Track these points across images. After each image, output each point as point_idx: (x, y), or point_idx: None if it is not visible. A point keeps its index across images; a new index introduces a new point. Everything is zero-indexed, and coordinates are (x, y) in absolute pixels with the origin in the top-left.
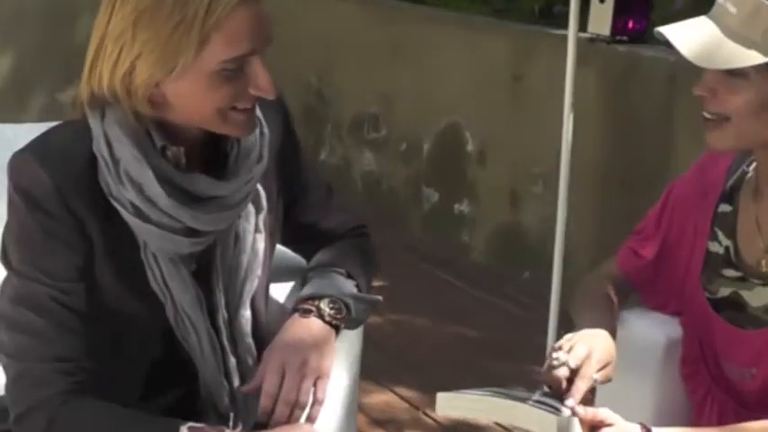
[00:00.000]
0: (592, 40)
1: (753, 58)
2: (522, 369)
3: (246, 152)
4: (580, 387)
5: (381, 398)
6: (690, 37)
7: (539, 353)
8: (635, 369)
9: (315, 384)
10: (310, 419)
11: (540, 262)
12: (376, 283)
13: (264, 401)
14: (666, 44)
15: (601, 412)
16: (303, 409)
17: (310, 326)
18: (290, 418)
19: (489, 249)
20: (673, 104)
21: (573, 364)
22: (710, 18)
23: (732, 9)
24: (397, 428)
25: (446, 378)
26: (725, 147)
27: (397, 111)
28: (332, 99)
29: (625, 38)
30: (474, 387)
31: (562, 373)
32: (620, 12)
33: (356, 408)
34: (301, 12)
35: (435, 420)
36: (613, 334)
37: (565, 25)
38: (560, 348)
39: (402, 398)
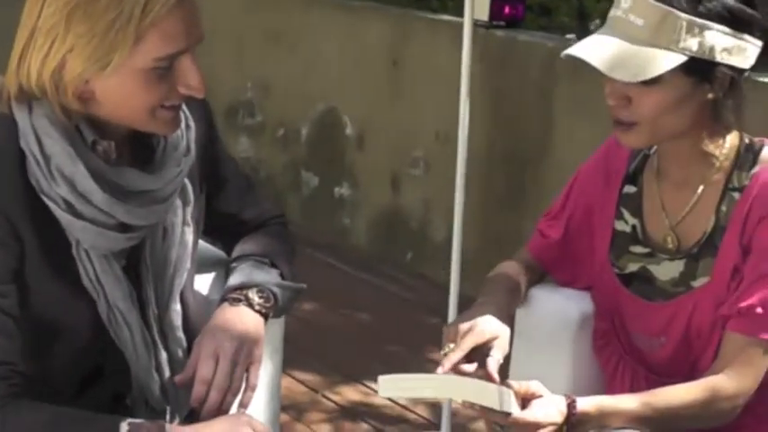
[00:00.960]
0: (475, 24)
1: (668, 62)
2: (411, 347)
3: (174, 145)
4: (452, 358)
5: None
6: (602, 53)
7: (429, 333)
8: (549, 343)
9: (247, 371)
10: (243, 405)
11: (421, 243)
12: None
13: (198, 388)
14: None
15: (532, 385)
16: (236, 395)
17: (241, 314)
18: (223, 405)
19: (371, 232)
20: (550, 86)
21: (454, 358)
22: (612, 33)
23: (638, 21)
24: (298, 411)
25: (341, 361)
26: (639, 145)
27: (274, 97)
28: (206, 86)
29: (502, 23)
30: (373, 368)
31: (455, 358)
32: None
33: (280, 395)
34: None
35: (335, 402)
36: (504, 312)
37: (441, 9)
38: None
39: (300, 381)
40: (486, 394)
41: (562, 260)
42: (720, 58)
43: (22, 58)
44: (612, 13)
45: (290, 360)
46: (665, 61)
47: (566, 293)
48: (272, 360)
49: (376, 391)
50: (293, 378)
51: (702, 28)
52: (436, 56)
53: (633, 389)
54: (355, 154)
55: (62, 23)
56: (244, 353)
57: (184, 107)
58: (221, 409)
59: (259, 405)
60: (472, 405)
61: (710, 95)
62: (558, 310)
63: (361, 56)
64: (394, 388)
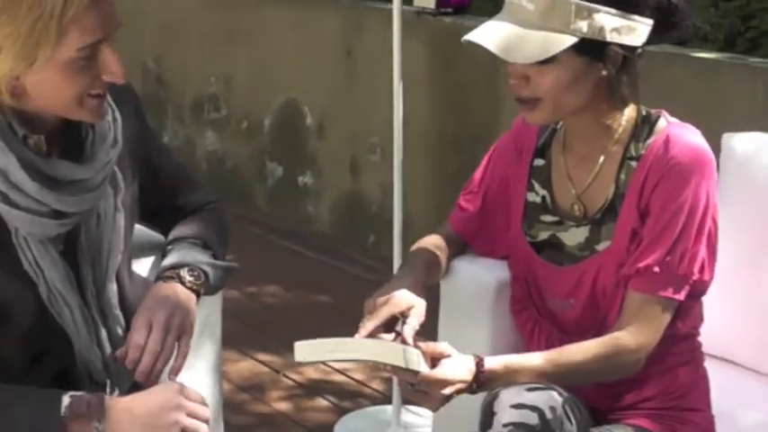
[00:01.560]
0: (418, 12)
1: (560, 43)
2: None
3: (102, 137)
4: (367, 326)
5: (244, 365)
6: (496, 37)
7: None
8: (471, 310)
9: (179, 340)
10: (174, 371)
11: (383, 226)
12: (227, 257)
13: (132, 353)
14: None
15: (440, 345)
16: (167, 361)
17: (174, 289)
18: (154, 369)
19: (334, 218)
20: (497, 71)
21: (370, 326)
22: (506, 18)
23: (530, 6)
24: (260, 391)
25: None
26: (543, 122)
27: (236, 90)
28: (171, 82)
29: (450, 10)
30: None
31: (370, 326)
32: None
33: (221, 372)
34: None
35: (295, 381)
36: (420, 284)
37: None
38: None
39: (263, 363)
40: (392, 354)
41: (480, 232)
42: (610, 37)
43: None
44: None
45: (254, 342)
46: (557, 43)
47: (484, 263)
48: (211, 339)
49: (336, 370)
50: (255, 360)
51: (591, 11)
52: (387, 45)
53: (549, 349)
54: (316, 143)
55: None
56: (175, 322)
57: (112, 102)
58: (153, 373)
59: (199, 377)
60: (385, 366)
61: (604, 73)
62: (477, 279)
63: (316, 47)
64: (309, 353)
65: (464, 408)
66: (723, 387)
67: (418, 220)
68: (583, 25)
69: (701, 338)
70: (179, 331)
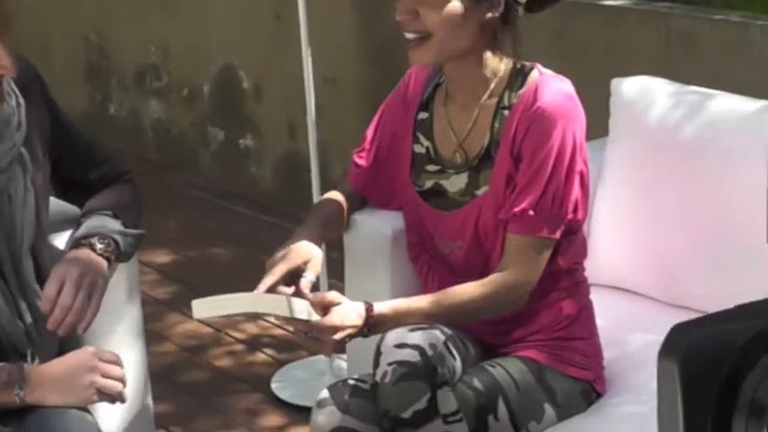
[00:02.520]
0: None
1: None
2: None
3: (6, 122)
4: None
5: (188, 327)
6: None
7: (332, 267)
8: (370, 259)
9: (90, 298)
10: (82, 327)
11: (324, 183)
12: (172, 223)
13: (44, 305)
14: None
15: (328, 295)
16: (77, 315)
17: (86, 253)
18: (65, 322)
19: (276, 178)
20: None
21: (267, 282)
22: None
23: None
24: (203, 350)
25: None
26: (428, 61)
27: (175, 58)
28: (112, 54)
29: None
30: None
31: (268, 281)
32: None
33: (142, 330)
34: None
35: (236, 338)
36: (317, 238)
37: None
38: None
39: (205, 324)
40: (281, 306)
41: (374, 186)
42: None
43: None
44: None
45: None
46: None
47: (380, 215)
48: (130, 301)
49: (276, 325)
50: (200, 322)
51: None
52: (315, 6)
53: (441, 289)
54: (254, 106)
55: None
56: (86, 280)
57: (16, 87)
58: (63, 326)
59: (119, 340)
60: (278, 317)
61: (489, 15)
62: (374, 230)
63: (247, 12)
64: (205, 309)
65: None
66: (615, 315)
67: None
68: None
69: (589, 271)
70: (90, 290)
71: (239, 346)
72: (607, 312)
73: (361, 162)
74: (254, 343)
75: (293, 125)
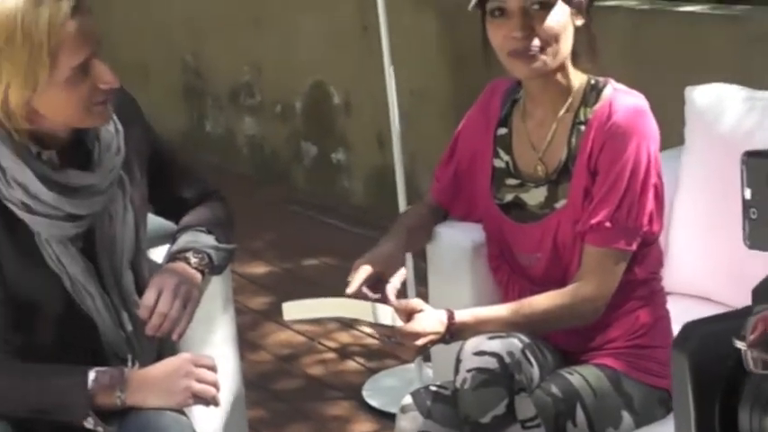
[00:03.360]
0: None
1: None
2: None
3: (107, 147)
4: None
5: (282, 336)
6: None
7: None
8: (453, 270)
9: (185, 307)
10: (178, 333)
11: (412, 194)
12: (268, 236)
13: (142, 313)
14: None
15: (412, 302)
16: (174, 323)
17: (182, 266)
18: (162, 328)
19: (367, 191)
20: None
21: (353, 286)
22: None
23: None
24: (296, 358)
25: None
26: (542, 71)
27: (267, 76)
28: (207, 73)
29: None
30: None
31: (354, 286)
32: None
33: (236, 339)
34: None
35: (329, 348)
36: (401, 248)
37: None
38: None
39: (299, 332)
40: (366, 311)
41: (456, 199)
42: None
43: None
44: None
45: None
46: None
47: (461, 227)
48: (224, 311)
49: (367, 335)
50: (292, 330)
51: None
52: (401, 18)
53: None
54: (345, 120)
55: None
56: (183, 290)
57: (114, 114)
58: (161, 331)
59: (214, 348)
60: (363, 322)
61: (578, 23)
62: (456, 241)
63: (333, 28)
64: (294, 312)
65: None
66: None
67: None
68: None
69: (666, 280)
70: (185, 299)
71: (331, 355)
72: (684, 320)
73: (443, 177)
74: (345, 351)
75: (383, 138)
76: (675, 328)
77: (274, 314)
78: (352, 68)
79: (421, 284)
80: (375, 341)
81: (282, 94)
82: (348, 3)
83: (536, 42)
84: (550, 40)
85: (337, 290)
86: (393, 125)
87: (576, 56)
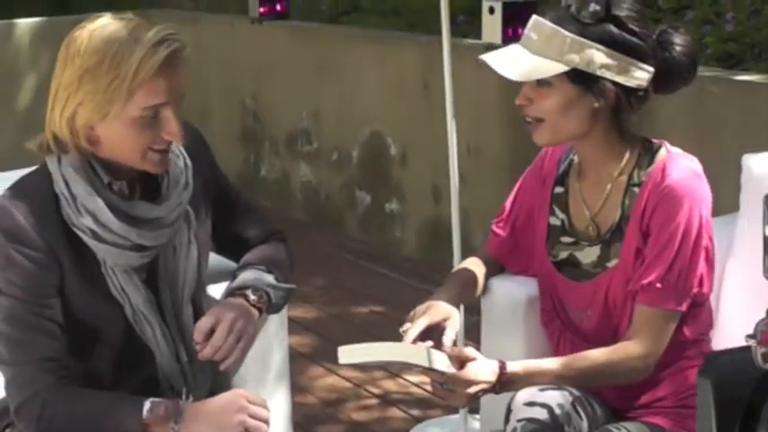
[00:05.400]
0: (486, 47)
1: (552, 70)
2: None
3: (175, 181)
4: (409, 334)
5: (328, 381)
6: (505, 61)
7: (469, 331)
8: (506, 322)
9: (238, 341)
10: (225, 364)
11: (466, 249)
12: (318, 282)
13: (196, 335)
14: None
15: (466, 350)
16: (225, 355)
17: (241, 302)
18: (214, 358)
19: (419, 242)
20: None
21: (412, 333)
22: (521, 45)
23: (534, 36)
24: (341, 403)
25: None
26: (545, 142)
27: (326, 124)
28: (266, 118)
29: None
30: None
31: (412, 334)
32: (509, 20)
33: (289, 383)
34: (231, 39)
35: (373, 394)
36: (455, 299)
37: (467, 34)
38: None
39: (346, 378)
40: (421, 357)
41: (512, 254)
42: (600, 72)
43: (53, 108)
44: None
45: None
46: (547, 69)
47: (516, 281)
48: (279, 350)
49: (412, 383)
50: (339, 375)
51: (584, 46)
52: (461, 77)
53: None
54: (400, 171)
55: (76, 82)
56: (239, 325)
57: (183, 150)
58: (208, 358)
59: (267, 387)
60: (417, 367)
61: (596, 105)
62: (510, 295)
63: (396, 82)
64: (351, 356)
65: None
66: None
67: None
68: (575, 57)
69: (713, 342)
70: (240, 334)
71: (376, 401)
72: None
73: (500, 231)
74: (389, 399)
75: (437, 191)
76: None
77: (321, 358)
78: (410, 121)
79: (468, 337)
80: (419, 390)
81: (340, 142)
82: (411, 58)
83: (529, 113)
84: (544, 115)
85: (384, 337)
86: (452, 180)
87: (620, 126)
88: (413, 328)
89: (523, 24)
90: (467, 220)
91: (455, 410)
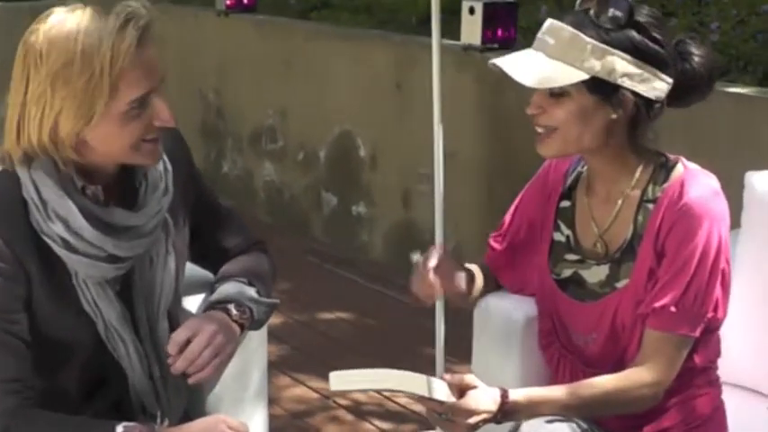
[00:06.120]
0: (465, 48)
1: (572, 77)
2: (421, 354)
3: (154, 186)
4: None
5: (296, 391)
6: (520, 66)
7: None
8: (501, 343)
9: (215, 357)
10: (197, 379)
11: None
12: (283, 286)
13: (170, 347)
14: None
15: (466, 377)
16: (198, 370)
17: (221, 316)
18: (183, 373)
19: (387, 247)
20: None
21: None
22: (535, 49)
23: (550, 40)
24: (310, 416)
25: (351, 367)
26: (554, 153)
27: (293, 122)
28: (230, 114)
29: (496, 45)
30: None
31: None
32: (489, 22)
33: (267, 401)
34: (195, 32)
35: (342, 406)
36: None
37: (444, 35)
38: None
39: (313, 389)
40: (420, 385)
41: (509, 270)
42: (621, 81)
43: (20, 129)
44: (537, 35)
45: (305, 369)
46: (566, 76)
47: (513, 300)
48: (257, 368)
49: (385, 396)
50: (306, 386)
51: (605, 52)
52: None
53: (573, 381)
54: (369, 174)
55: (48, 92)
56: (218, 340)
57: (164, 153)
58: (182, 375)
59: (245, 407)
60: (414, 396)
61: (614, 116)
62: (507, 315)
63: (367, 81)
64: (343, 382)
65: None
66: (742, 416)
67: (467, 249)
68: (596, 64)
69: (720, 370)
70: (218, 350)
71: (346, 415)
72: (733, 411)
73: (496, 245)
74: (360, 411)
75: (407, 195)
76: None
77: (287, 367)
78: (381, 122)
79: (460, 360)
80: (391, 402)
81: (306, 141)
82: (383, 57)
83: (541, 122)
84: (557, 124)
85: (352, 344)
86: (437, 186)
87: (634, 140)
88: (431, 258)
89: (504, 26)
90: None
91: (430, 426)
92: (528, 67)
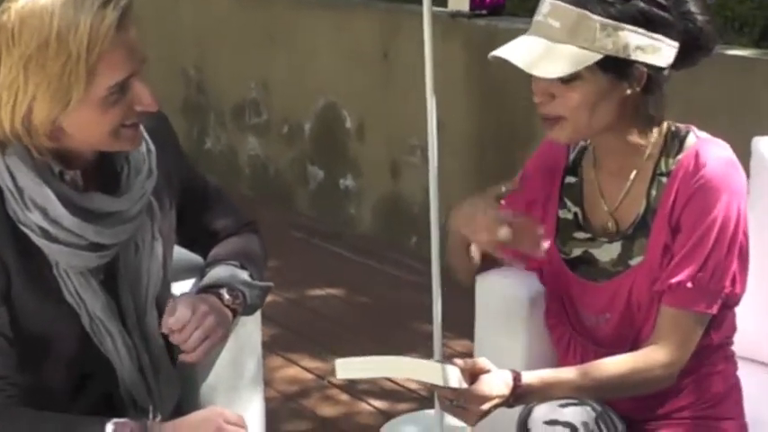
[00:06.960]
0: (453, 15)
1: (584, 59)
2: (417, 330)
3: (137, 169)
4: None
5: (289, 372)
6: (524, 53)
7: (428, 314)
8: (505, 323)
9: (205, 340)
10: (183, 359)
11: (424, 227)
12: (270, 263)
13: (164, 320)
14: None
15: (479, 361)
16: (188, 351)
17: (213, 300)
18: (171, 356)
19: (376, 220)
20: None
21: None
22: (535, 34)
23: (555, 23)
24: (304, 397)
25: (343, 345)
26: (565, 140)
27: (276, 95)
28: (211, 88)
29: (484, 11)
30: (378, 352)
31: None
32: None
33: (262, 386)
34: (173, 5)
35: (337, 386)
36: None
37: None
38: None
39: (307, 369)
40: (432, 373)
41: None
42: (635, 56)
43: None
44: (535, 18)
45: (298, 348)
46: (581, 59)
47: (516, 277)
48: (251, 354)
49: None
50: (300, 366)
51: (616, 28)
52: (423, 47)
53: (583, 363)
54: (356, 146)
55: (20, 76)
56: (210, 321)
57: (146, 133)
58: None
59: (240, 395)
60: (424, 383)
61: (629, 92)
62: (510, 292)
63: (353, 51)
64: (350, 370)
65: (503, 419)
66: (758, 394)
67: None
68: (608, 42)
69: (734, 345)
70: (208, 333)
71: (343, 395)
72: (748, 389)
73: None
74: (356, 391)
75: (396, 167)
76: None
77: (278, 347)
78: (367, 93)
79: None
80: (388, 381)
81: (291, 114)
82: (369, 26)
83: (551, 111)
84: (567, 113)
85: (343, 321)
86: (431, 161)
87: (643, 114)
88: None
89: None
90: (426, 196)
91: (428, 404)
92: (536, 55)
